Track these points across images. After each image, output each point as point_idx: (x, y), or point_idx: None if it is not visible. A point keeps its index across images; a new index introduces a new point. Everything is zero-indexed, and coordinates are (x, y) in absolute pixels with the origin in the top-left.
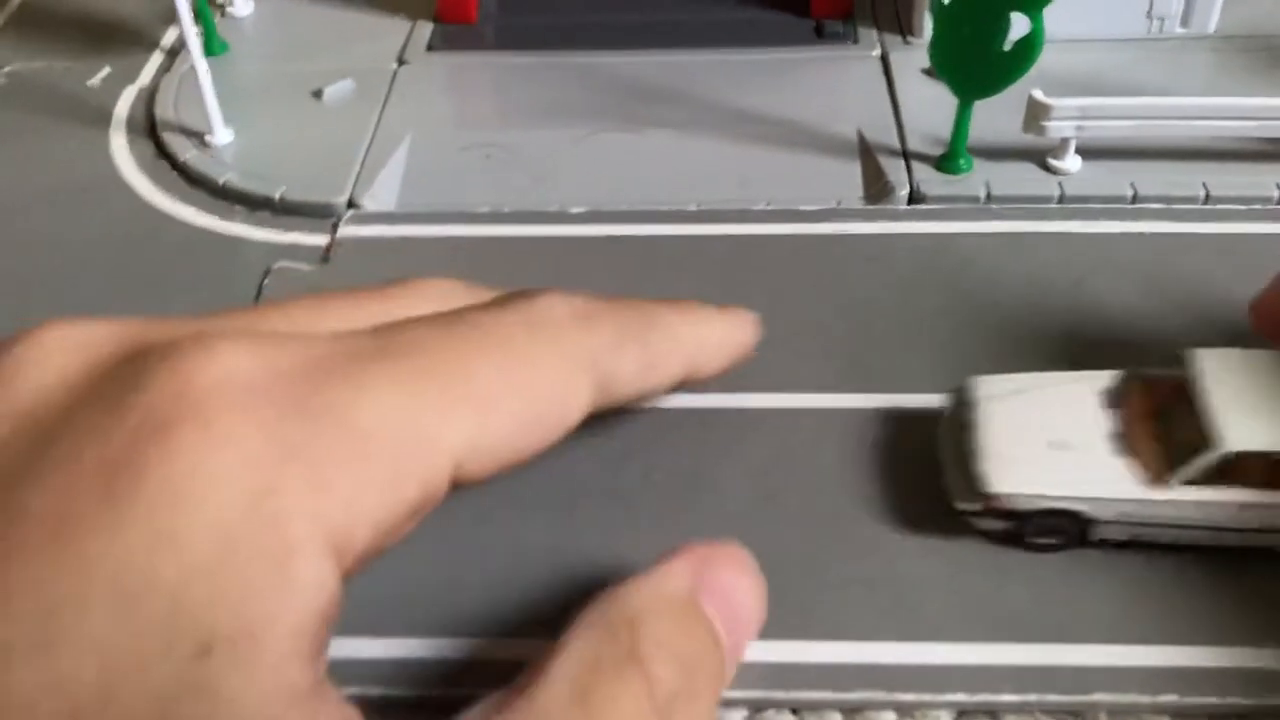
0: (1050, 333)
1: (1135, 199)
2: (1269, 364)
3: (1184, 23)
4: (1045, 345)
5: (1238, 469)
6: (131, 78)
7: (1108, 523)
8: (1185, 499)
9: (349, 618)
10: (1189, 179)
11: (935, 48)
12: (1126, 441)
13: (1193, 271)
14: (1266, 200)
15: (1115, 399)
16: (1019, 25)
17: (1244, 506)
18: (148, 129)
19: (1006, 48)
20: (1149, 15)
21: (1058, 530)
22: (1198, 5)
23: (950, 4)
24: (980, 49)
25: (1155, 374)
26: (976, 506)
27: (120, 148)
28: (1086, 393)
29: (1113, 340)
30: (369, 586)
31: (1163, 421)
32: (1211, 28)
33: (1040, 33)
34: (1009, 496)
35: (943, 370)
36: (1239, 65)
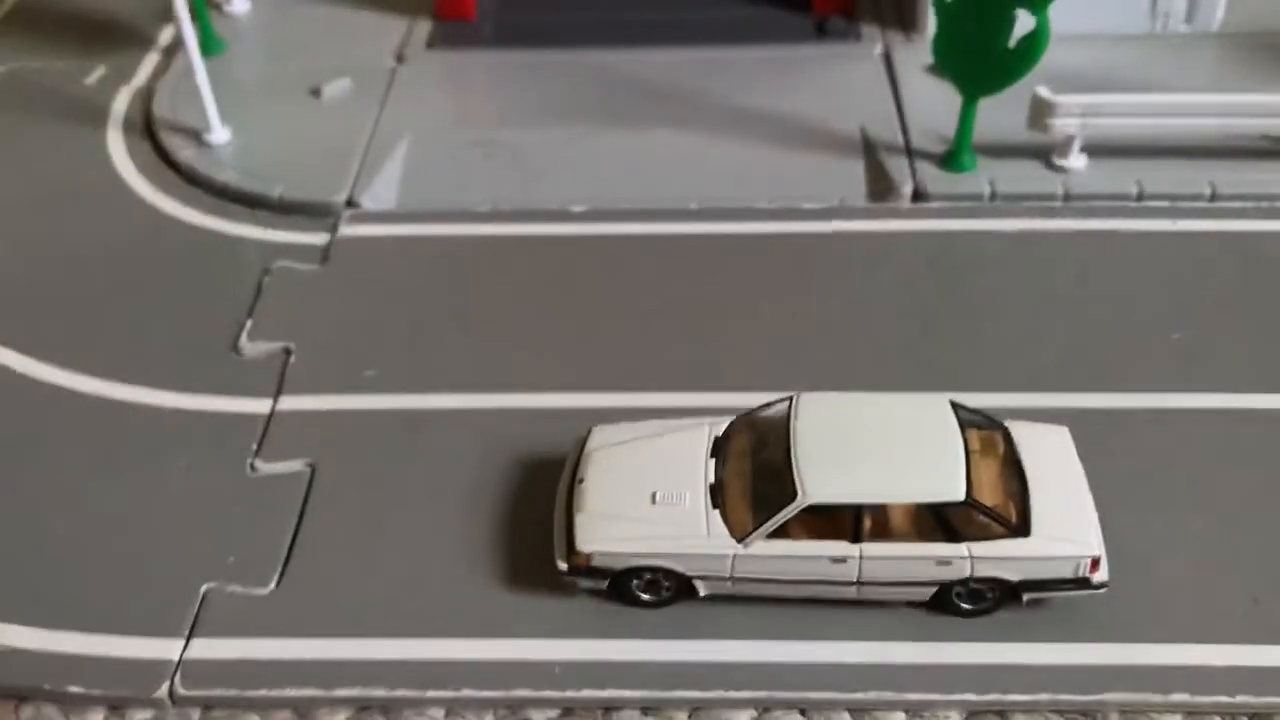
0: (1055, 333)
1: (1141, 197)
2: (861, 409)
3: (1188, 19)
4: (1050, 346)
5: (833, 520)
6: (128, 77)
7: (705, 578)
8: (773, 553)
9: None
10: (1195, 176)
11: (939, 45)
12: (726, 491)
13: (1201, 270)
14: (1275, 198)
15: (721, 444)
16: (1023, 22)
17: (835, 559)
18: (145, 128)
19: (1011, 45)
20: (1153, 11)
21: (660, 586)
22: (1202, 2)
23: (954, 2)
24: (985, 46)
25: (765, 417)
26: (570, 565)
27: (117, 147)
28: (698, 440)
29: (1119, 340)
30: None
31: (759, 471)
32: (1216, 24)
33: (1045, 29)
34: (600, 555)
35: (941, 372)
36: (1243, 61)
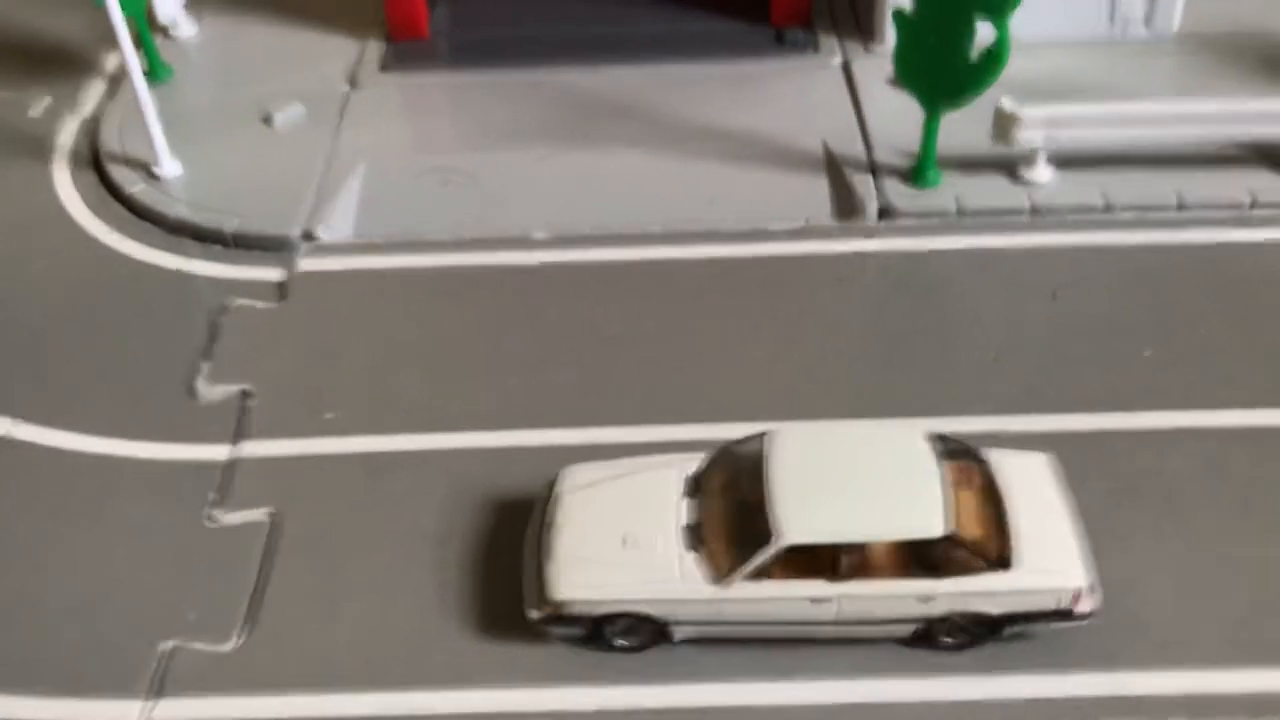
0: (1027, 353)
1: (1108, 208)
2: (837, 443)
3: (1147, 24)
4: (1021, 366)
5: (811, 559)
6: (74, 107)
7: (681, 623)
8: (751, 596)
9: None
10: (1162, 186)
11: (900, 60)
12: (701, 533)
13: (1170, 283)
14: (1241, 206)
15: (697, 483)
16: (984, 33)
17: (815, 600)
18: (92, 161)
19: (973, 57)
20: (1112, 16)
21: (634, 631)
22: (1160, 6)
23: (914, 15)
24: (946, 59)
25: (740, 452)
26: (542, 614)
27: (64, 181)
28: (671, 479)
29: (1091, 358)
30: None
31: (735, 511)
32: (1174, 28)
33: (1006, 40)
34: (572, 603)
35: (913, 396)
36: (1203, 64)
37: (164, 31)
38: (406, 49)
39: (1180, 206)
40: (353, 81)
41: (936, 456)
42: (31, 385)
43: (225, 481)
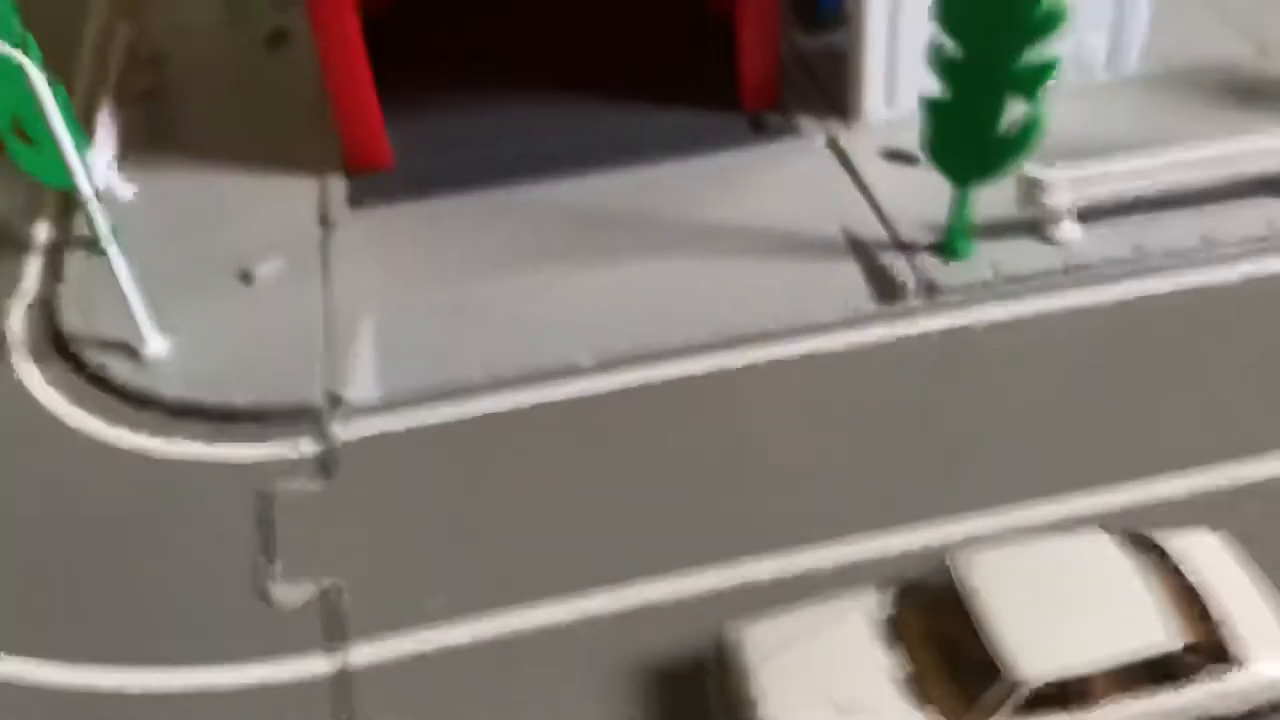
0: (1105, 418)
1: (1140, 259)
2: (1032, 562)
3: (1108, 65)
4: (1106, 436)
5: (1043, 690)
6: (11, 289)
7: None
8: None
9: None
10: (1188, 229)
11: (933, 143)
12: (918, 684)
13: (1219, 324)
14: (1262, 239)
15: (894, 629)
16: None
17: None
18: (55, 346)
19: (1004, 132)
20: (1075, 60)
21: None
22: (1120, 47)
23: (944, 99)
24: (978, 138)
25: (929, 588)
26: None
27: (30, 375)
28: (860, 627)
29: (1173, 411)
30: None
31: (951, 647)
32: (1133, 68)
33: (1039, 116)
34: None
35: (1003, 484)
36: (1163, 103)
37: (97, 201)
38: (371, 180)
39: (1209, 246)
40: (324, 222)
41: (1133, 560)
42: (76, 621)
43: (338, 701)
